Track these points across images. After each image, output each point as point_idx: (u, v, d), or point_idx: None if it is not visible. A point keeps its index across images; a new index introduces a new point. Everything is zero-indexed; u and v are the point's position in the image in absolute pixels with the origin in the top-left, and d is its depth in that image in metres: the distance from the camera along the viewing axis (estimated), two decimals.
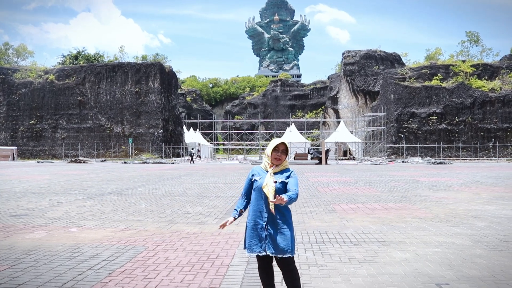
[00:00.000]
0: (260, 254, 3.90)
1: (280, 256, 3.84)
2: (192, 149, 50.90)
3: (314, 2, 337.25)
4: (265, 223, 3.89)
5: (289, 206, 4.03)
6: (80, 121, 52.71)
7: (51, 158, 51.43)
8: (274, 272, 4.12)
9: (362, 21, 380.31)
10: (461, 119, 47.58)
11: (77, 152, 51.41)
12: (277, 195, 3.68)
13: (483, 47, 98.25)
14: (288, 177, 3.93)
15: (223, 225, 4.20)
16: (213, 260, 5.89)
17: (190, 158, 43.96)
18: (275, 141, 3.99)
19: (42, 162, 44.09)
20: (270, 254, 3.86)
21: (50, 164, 39.29)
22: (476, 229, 7.95)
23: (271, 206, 3.86)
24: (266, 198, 3.88)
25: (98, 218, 9.28)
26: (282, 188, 3.87)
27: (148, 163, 41.65)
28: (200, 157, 46.05)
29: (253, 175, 4.07)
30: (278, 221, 3.88)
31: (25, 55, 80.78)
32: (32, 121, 53.44)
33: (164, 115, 52.31)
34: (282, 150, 3.96)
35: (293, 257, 3.92)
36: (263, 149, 61.21)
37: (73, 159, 45.12)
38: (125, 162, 42.79)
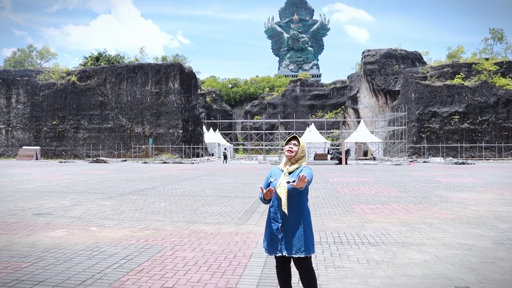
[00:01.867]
0: (277, 255, 3.91)
1: (296, 256, 3.83)
2: (225, 149, 51.38)
3: (332, 1, 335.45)
4: (280, 225, 3.89)
5: (308, 205, 4.02)
6: (101, 122, 53.43)
7: (73, 158, 52.27)
8: (292, 273, 4.12)
9: (381, 20, 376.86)
10: (484, 118, 46.73)
11: (98, 152, 52.12)
12: (299, 175, 3.65)
13: (507, 44, 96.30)
14: (297, 174, 3.89)
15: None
16: (230, 260, 5.90)
17: (224, 158, 46.57)
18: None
19: (64, 162, 44.83)
20: (286, 255, 3.86)
21: (72, 164, 39.93)
22: (498, 231, 7.79)
23: (283, 207, 3.85)
24: (280, 199, 3.87)
25: (117, 217, 9.38)
26: (295, 188, 3.83)
27: (168, 163, 41.98)
28: (225, 158, 46.64)
29: (270, 176, 4.09)
30: (292, 221, 3.87)
31: (48, 57, 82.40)
32: (54, 122, 54.39)
33: (184, 116, 52.65)
34: (294, 143, 4.01)
35: (309, 257, 3.90)
36: (282, 149, 61.03)
37: (94, 159, 45.78)
38: (145, 162, 43.21)
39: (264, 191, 3.88)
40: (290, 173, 3.95)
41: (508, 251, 6.34)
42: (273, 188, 3.87)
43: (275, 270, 4.12)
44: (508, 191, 14.39)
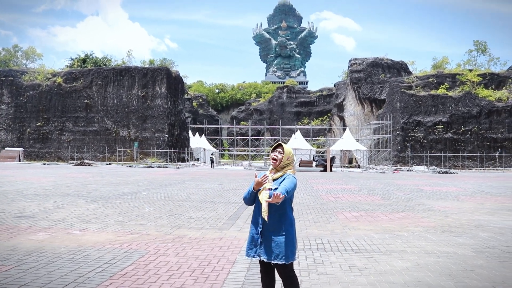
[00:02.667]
0: (253, 259, 3.95)
1: (274, 262, 3.86)
2: (212, 154, 51.31)
3: (319, 9, 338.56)
4: (260, 229, 3.92)
5: (292, 213, 4.05)
6: (86, 124, 52.96)
7: (56, 160, 51.68)
8: (277, 279, 4.14)
9: (367, 29, 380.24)
10: (467, 128, 47.37)
11: (83, 155, 51.62)
12: (274, 193, 3.65)
13: (490, 56, 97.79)
14: (280, 182, 3.91)
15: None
16: (214, 265, 5.92)
17: (211, 162, 47.13)
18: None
19: (47, 164, 44.31)
20: (264, 260, 3.89)
21: (55, 166, 39.49)
22: (479, 240, 7.93)
23: (263, 213, 3.89)
24: (261, 204, 3.91)
25: (101, 221, 9.32)
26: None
27: (153, 167, 41.76)
28: (212, 163, 46.82)
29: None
30: (272, 227, 3.89)
31: (33, 57, 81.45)
32: (39, 123, 53.75)
33: (170, 120, 52.47)
34: (279, 151, 4.02)
35: (289, 264, 3.91)
36: (268, 156, 61.13)
37: (79, 161, 45.32)
38: (130, 166, 42.92)
39: (259, 178, 3.89)
40: (274, 180, 3.96)
41: (487, 259, 6.46)
42: (263, 178, 3.88)
43: (260, 275, 4.15)
44: (488, 201, 14.62)
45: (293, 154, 4.14)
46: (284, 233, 3.88)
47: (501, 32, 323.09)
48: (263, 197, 3.87)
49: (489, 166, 46.00)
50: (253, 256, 3.94)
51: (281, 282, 4.06)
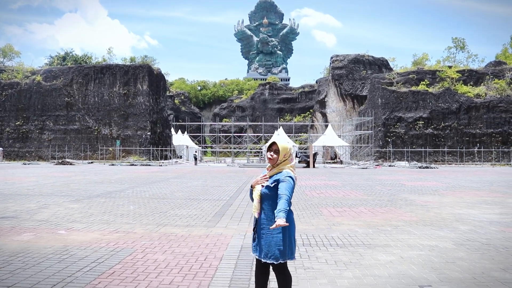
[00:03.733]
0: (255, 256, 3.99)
1: (264, 261, 3.88)
2: (195, 152, 51.14)
3: (300, 6, 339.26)
4: (254, 227, 3.97)
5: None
6: (67, 123, 52.31)
7: (37, 160, 50.94)
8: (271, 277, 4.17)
9: (348, 25, 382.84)
10: (447, 124, 48.13)
11: (64, 153, 51.01)
12: (276, 223, 3.58)
13: (469, 53, 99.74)
14: (276, 181, 3.83)
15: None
16: (201, 262, 5.97)
17: (194, 159, 46.94)
18: (268, 142, 4.05)
19: (28, 164, 43.67)
20: (257, 257, 3.94)
21: (36, 166, 38.96)
22: (459, 233, 8.13)
23: (253, 210, 3.92)
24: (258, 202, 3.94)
25: (86, 220, 9.29)
26: (268, 193, 3.84)
27: (135, 165, 41.50)
28: (195, 160, 46.75)
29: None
30: (262, 225, 3.89)
31: (11, 55, 79.90)
32: (18, 122, 52.90)
33: (152, 117, 52.16)
34: (274, 150, 3.92)
35: (282, 263, 3.88)
36: (251, 152, 61.33)
37: (60, 160, 44.76)
38: (112, 164, 42.58)
39: (258, 178, 3.94)
40: (270, 177, 3.93)
41: (467, 251, 6.65)
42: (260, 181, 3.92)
43: (254, 271, 4.19)
44: (468, 195, 14.94)
45: (290, 148, 4.00)
46: (276, 232, 3.81)
47: (479, 29, 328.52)
48: (255, 194, 3.92)
49: (468, 161, 46.84)
50: (253, 253, 3.98)
51: (275, 277, 4.10)
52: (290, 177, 3.83)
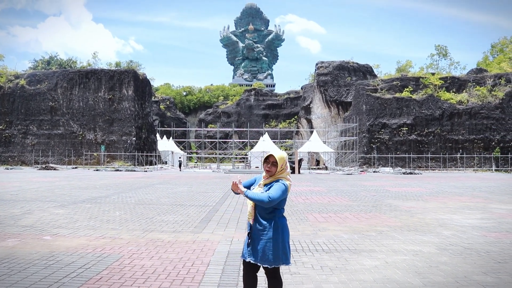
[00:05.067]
0: (246, 260, 4.03)
1: (259, 265, 3.98)
2: (180, 157, 51.05)
3: (284, 13, 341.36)
4: (248, 231, 4.04)
5: (282, 219, 4.07)
6: (51, 127, 51.78)
7: (20, 165, 50.26)
8: (259, 282, 4.23)
9: (332, 32, 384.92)
10: (430, 130, 48.74)
11: (48, 158, 50.43)
12: (234, 181, 3.90)
13: (451, 60, 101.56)
14: (268, 188, 3.94)
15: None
16: (188, 268, 6.00)
17: (179, 165, 47.18)
18: (266, 154, 4.14)
19: (11, 169, 43.10)
20: (251, 262, 4.01)
21: (19, 171, 38.46)
22: (442, 238, 8.28)
23: (248, 217, 4.02)
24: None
25: (72, 226, 9.24)
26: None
27: (120, 170, 41.23)
28: (180, 166, 46.75)
29: (255, 181, 4.22)
30: (257, 231, 3.98)
31: None
32: (1, 127, 52.18)
33: (138, 123, 51.91)
34: (272, 162, 4.01)
35: (275, 267, 3.98)
36: (236, 158, 61.31)
37: (44, 165, 44.26)
38: (97, 170, 42.23)
39: (237, 183, 3.98)
40: (265, 185, 4.02)
41: (450, 256, 6.78)
42: (237, 184, 3.97)
43: (242, 276, 4.25)
44: (451, 200, 15.17)
45: (286, 160, 4.11)
46: (271, 237, 3.91)
47: (460, 37, 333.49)
48: (249, 201, 3.99)
49: (451, 167, 47.47)
50: (245, 258, 4.03)
51: (266, 281, 4.18)
52: (283, 183, 3.95)
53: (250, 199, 3.85)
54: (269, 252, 3.90)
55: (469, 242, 7.90)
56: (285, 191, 3.91)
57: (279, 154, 4.06)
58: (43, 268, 5.90)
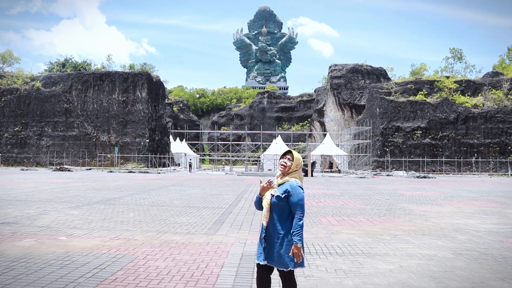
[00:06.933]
0: (261, 263, 4.02)
1: (275, 267, 3.97)
2: (190, 159, 51.33)
3: (296, 15, 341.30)
4: (264, 234, 4.02)
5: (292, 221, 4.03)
6: (66, 129, 52.35)
7: (35, 166, 50.86)
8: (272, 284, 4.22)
9: (344, 35, 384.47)
10: (444, 134, 48.30)
11: (62, 160, 50.99)
12: (294, 251, 3.82)
13: (466, 63, 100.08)
14: (285, 191, 3.91)
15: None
16: (202, 270, 6.01)
17: (189, 167, 47.47)
18: (283, 151, 4.16)
19: (26, 170, 43.62)
20: (266, 264, 3.99)
21: (34, 172, 38.92)
22: (457, 242, 8.19)
23: (263, 219, 4.01)
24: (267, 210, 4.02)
25: (86, 227, 9.32)
26: (278, 203, 3.91)
27: (134, 172, 41.49)
28: (190, 167, 46.99)
29: None
30: (272, 233, 3.97)
31: (11, 61, 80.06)
32: (17, 128, 52.92)
33: (151, 125, 52.24)
34: (288, 158, 4.05)
35: (291, 270, 3.97)
36: (249, 161, 61.34)
37: (58, 167, 44.73)
38: (110, 171, 42.56)
39: (264, 184, 3.99)
40: (279, 185, 4.01)
41: (466, 260, 6.70)
42: (270, 183, 3.98)
43: (256, 279, 4.24)
44: (466, 205, 15.00)
45: (302, 161, 4.16)
46: (285, 240, 3.90)
47: (476, 40, 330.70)
48: (265, 203, 3.98)
49: (466, 171, 46.97)
50: (260, 261, 4.00)
51: (280, 284, 4.17)
52: (300, 187, 3.96)
53: (302, 238, 3.87)
54: (285, 255, 3.89)
55: (485, 247, 7.80)
56: (303, 197, 3.93)
57: (296, 154, 4.11)
58: (59, 268, 5.96)
